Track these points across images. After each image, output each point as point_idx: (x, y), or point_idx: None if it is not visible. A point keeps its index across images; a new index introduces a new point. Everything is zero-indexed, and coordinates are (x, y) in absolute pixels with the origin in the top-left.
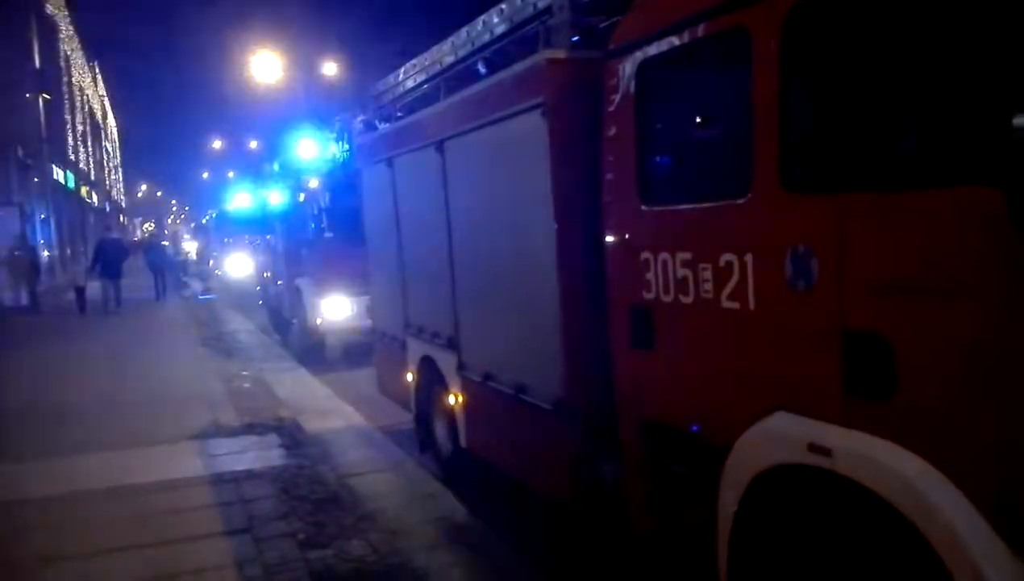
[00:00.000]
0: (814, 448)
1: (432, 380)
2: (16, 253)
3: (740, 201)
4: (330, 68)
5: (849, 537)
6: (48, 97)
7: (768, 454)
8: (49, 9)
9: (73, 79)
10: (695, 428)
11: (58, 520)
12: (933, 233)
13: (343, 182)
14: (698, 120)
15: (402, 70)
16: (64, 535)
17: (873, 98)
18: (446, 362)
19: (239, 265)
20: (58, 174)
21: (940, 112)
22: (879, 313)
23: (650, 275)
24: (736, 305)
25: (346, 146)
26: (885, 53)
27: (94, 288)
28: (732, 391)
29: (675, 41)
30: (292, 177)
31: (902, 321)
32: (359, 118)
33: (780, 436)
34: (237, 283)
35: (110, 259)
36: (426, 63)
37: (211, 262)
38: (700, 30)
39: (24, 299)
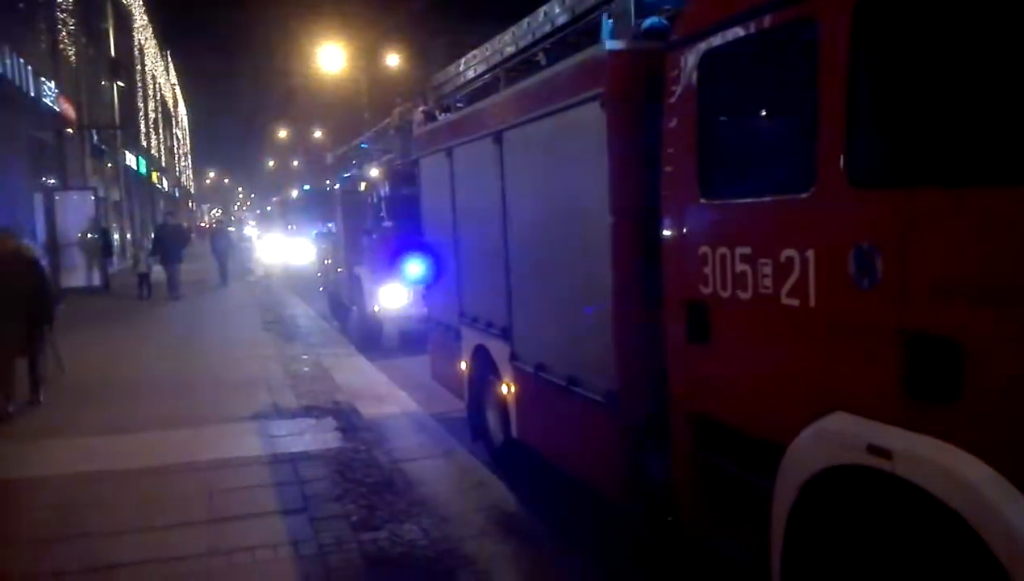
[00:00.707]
0: (874, 450)
1: (485, 369)
2: (89, 235)
3: (803, 196)
4: (393, 59)
5: (908, 541)
6: (122, 85)
7: (825, 454)
8: None
9: (146, 68)
10: (749, 426)
11: (123, 495)
12: (1009, 233)
13: (403, 172)
14: (761, 113)
15: (463, 61)
16: (128, 509)
17: (945, 90)
18: (499, 352)
19: (301, 252)
20: (130, 160)
21: (1017, 105)
22: (947, 314)
23: (707, 270)
24: (796, 302)
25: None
26: (959, 44)
27: (156, 272)
28: (789, 389)
29: (740, 32)
30: (354, 167)
31: (972, 323)
32: (420, 108)
33: (838, 437)
34: (299, 269)
35: (170, 244)
36: (487, 54)
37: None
38: (766, 21)
39: (96, 280)
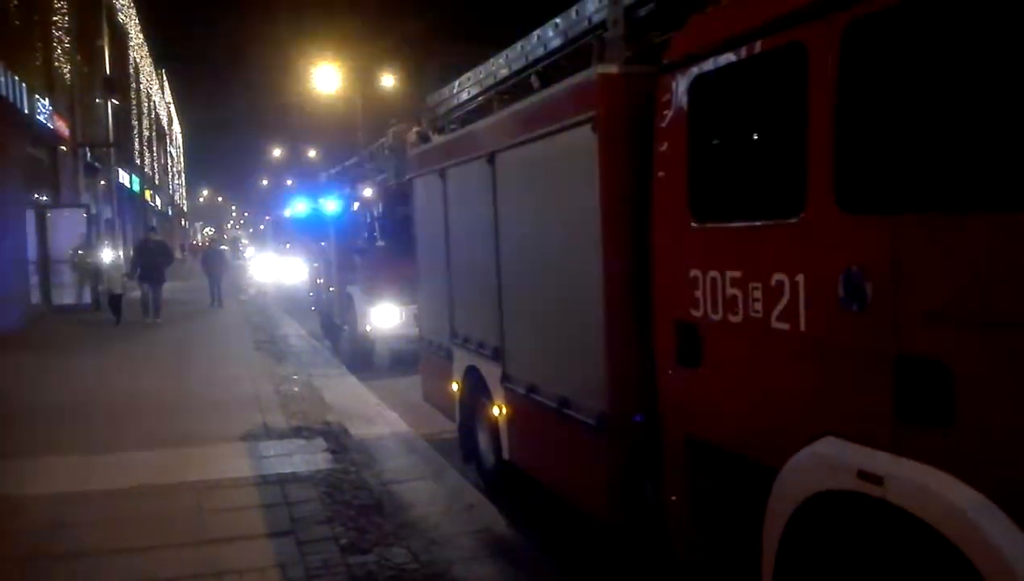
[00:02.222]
0: (864, 475)
1: (476, 390)
2: (80, 253)
3: (793, 220)
4: (388, 80)
5: (899, 567)
6: (117, 103)
7: (816, 479)
8: (120, 17)
9: (141, 86)
10: (741, 449)
11: (112, 515)
12: (998, 258)
13: (396, 192)
14: (752, 137)
15: (457, 83)
16: (118, 530)
17: (934, 116)
18: (491, 373)
19: (294, 271)
20: (124, 177)
21: (1006, 130)
22: (937, 339)
23: (698, 293)
24: (786, 326)
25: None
26: (947, 69)
27: (133, 293)
28: (780, 413)
29: (730, 57)
30: (347, 186)
31: (962, 348)
32: (414, 129)
33: (829, 462)
34: (291, 288)
35: (152, 263)
36: (480, 76)
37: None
38: (756, 46)
39: (86, 298)
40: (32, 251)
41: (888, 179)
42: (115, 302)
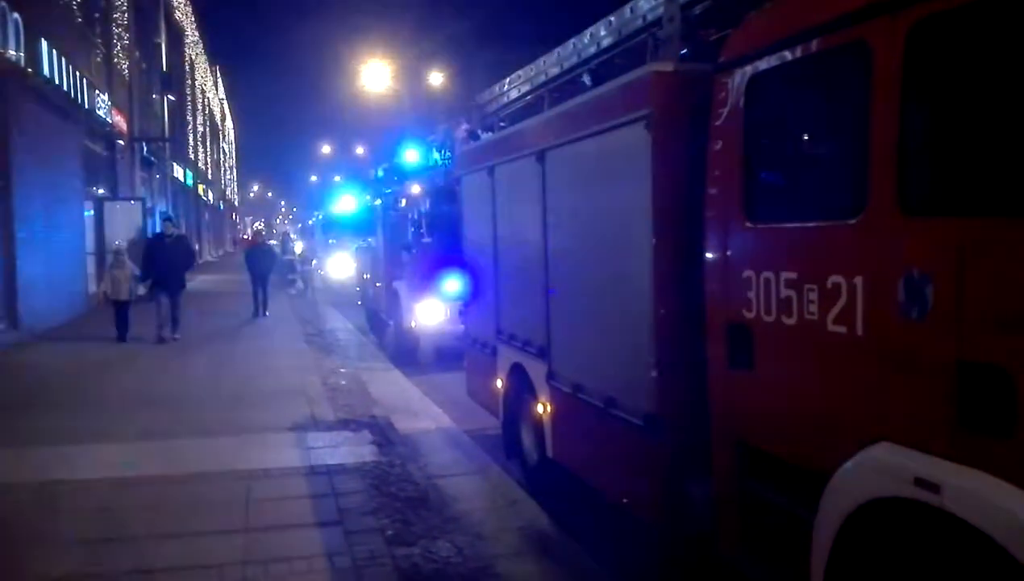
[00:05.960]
0: (921, 483)
1: (521, 388)
2: (136, 246)
3: (852, 222)
4: (436, 78)
5: (953, 577)
6: (172, 99)
7: (870, 486)
8: (177, 15)
9: (196, 82)
10: (792, 453)
11: (163, 501)
12: None
13: (444, 189)
14: (809, 137)
15: (507, 81)
16: (168, 516)
17: (1003, 117)
18: (536, 371)
19: (341, 266)
20: (178, 172)
21: None
22: (1001, 346)
23: (752, 294)
24: (843, 329)
25: (448, 154)
26: (1016, 69)
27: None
28: (834, 418)
29: (788, 55)
30: (395, 183)
31: None
32: (463, 127)
33: (885, 468)
34: (339, 283)
35: (169, 265)
36: (531, 74)
37: (314, 262)
38: (816, 44)
39: (140, 289)
40: (90, 243)
41: (953, 182)
42: (121, 312)
